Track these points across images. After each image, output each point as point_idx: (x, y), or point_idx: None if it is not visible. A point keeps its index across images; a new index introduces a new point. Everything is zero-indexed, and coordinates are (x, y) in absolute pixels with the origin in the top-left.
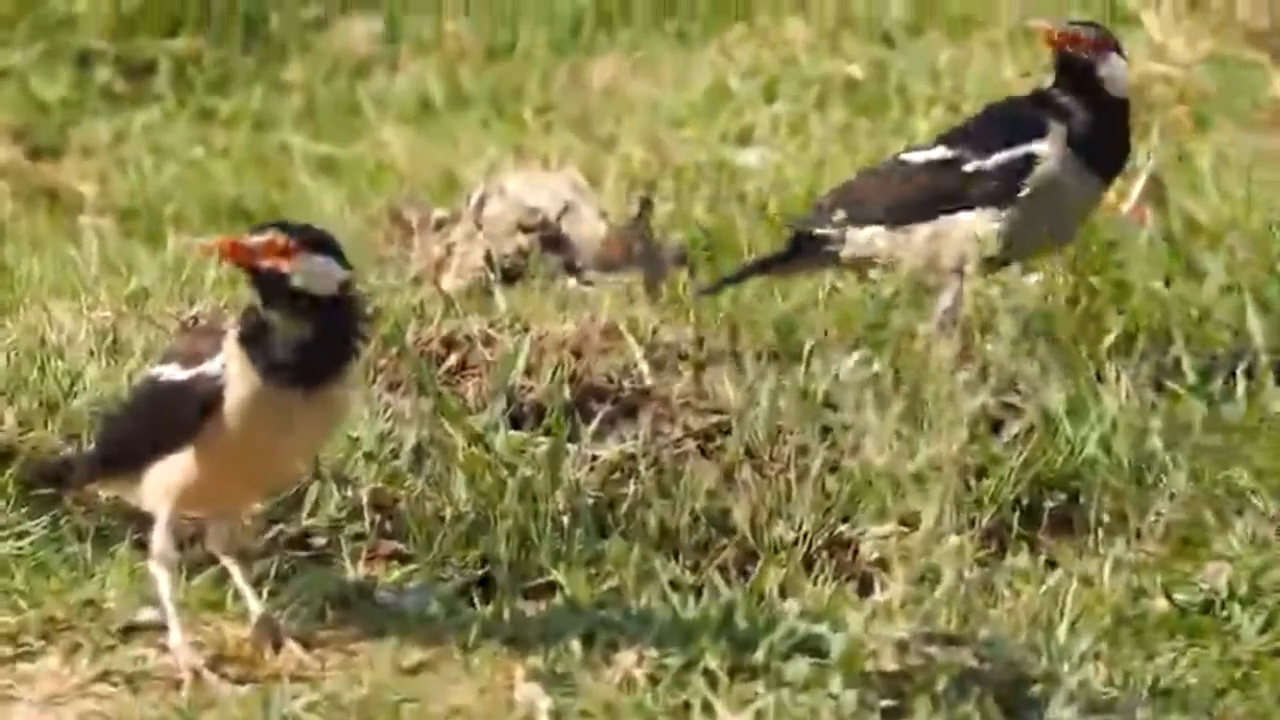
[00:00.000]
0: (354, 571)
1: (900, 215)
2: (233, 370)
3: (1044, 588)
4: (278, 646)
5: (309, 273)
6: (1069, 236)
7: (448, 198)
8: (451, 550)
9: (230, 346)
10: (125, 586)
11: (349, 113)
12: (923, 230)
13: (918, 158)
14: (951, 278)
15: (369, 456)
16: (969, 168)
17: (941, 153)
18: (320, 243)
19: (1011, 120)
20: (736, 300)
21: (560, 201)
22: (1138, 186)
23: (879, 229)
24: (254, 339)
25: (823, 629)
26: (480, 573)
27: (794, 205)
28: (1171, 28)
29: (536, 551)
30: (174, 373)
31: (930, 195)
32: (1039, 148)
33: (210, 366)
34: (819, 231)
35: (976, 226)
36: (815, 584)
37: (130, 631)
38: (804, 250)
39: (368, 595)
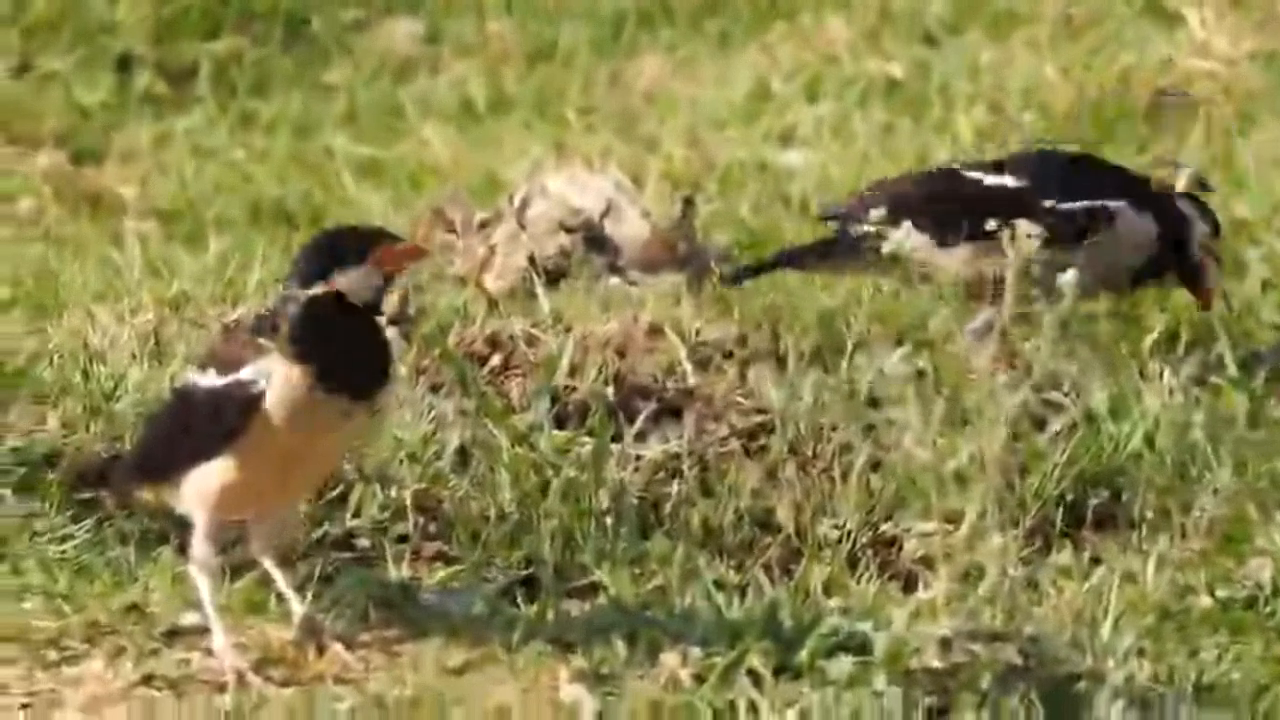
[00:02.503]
0: (398, 572)
1: (948, 231)
2: (278, 376)
3: (1087, 585)
4: (321, 648)
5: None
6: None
7: (490, 198)
8: (496, 551)
9: (274, 353)
10: (169, 590)
11: (391, 114)
12: (968, 248)
13: (977, 177)
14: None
15: (413, 457)
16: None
17: (1007, 180)
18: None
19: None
20: (779, 288)
21: (603, 201)
22: (1181, 183)
23: (923, 238)
24: (300, 344)
25: (867, 627)
26: (524, 573)
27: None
28: (1214, 25)
29: (581, 551)
30: (211, 379)
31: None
32: (1118, 207)
33: (249, 372)
34: (857, 229)
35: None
36: (859, 582)
37: (174, 635)
38: (842, 246)
39: (412, 596)
